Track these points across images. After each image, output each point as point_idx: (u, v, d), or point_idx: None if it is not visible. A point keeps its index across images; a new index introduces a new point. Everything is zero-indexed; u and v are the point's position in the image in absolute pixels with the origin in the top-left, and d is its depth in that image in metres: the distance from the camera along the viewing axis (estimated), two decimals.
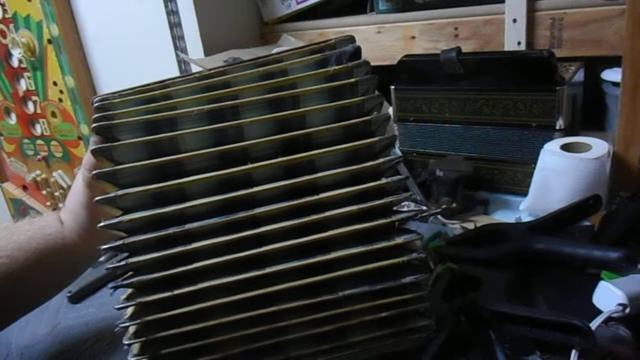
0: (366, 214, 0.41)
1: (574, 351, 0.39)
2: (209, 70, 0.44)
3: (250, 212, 0.39)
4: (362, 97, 0.42)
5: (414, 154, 0.82)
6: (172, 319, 0.39)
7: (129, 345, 0.39)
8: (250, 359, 0.40)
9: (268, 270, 0.39)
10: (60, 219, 0.52)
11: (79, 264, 0.53)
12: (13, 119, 1.38)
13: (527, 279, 0.53)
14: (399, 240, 0.40)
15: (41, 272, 0.50)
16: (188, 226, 0.39)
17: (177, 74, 1.04)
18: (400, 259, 0.40)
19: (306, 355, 0.41)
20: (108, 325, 0.55)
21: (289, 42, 1.09)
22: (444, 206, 0.69)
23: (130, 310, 0.39)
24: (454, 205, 0.70)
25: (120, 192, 0.38)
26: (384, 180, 0.40)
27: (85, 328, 0.57)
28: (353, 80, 0.42)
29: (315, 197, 0.40)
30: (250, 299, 0.39)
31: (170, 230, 0.39)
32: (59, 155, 1.34)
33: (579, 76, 0.74)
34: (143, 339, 0.38)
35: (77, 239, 0.50)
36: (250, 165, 0.39)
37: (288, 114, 0.40)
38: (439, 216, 0.70)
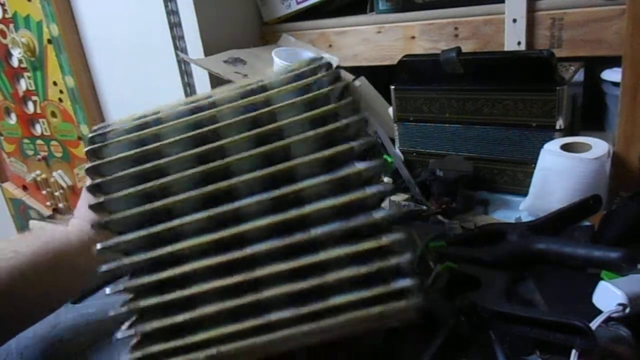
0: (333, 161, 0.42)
1: (574, 351, 0.39)
2: (198, 100, 0.46)
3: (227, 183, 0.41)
4: (335, 105, 0.43)
5: (414, 154, 0.82)
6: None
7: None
8: (231, 322, 0.40)
9: (244, 228, 0.40)
10: (67, 225, 0.52)
11: (83, 268, 0.52)
12: (13, 119, 1.39)
13: (527, 279, 0.53)
14: (361, 167, 0.40)
15: (47, 270, 0.50)
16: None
17: (177, 74, 1.04)
18: (369, 191, 0.40)
19: (287, 320, 0.40)
20: (108, 325, 0.55)
21: (289, 42, 1.09)
22: (444, 206, 0.69)
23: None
24: (454, 205, 0.69)
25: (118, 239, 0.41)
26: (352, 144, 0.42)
27: (85, 328, 0.57)
28: (332, 106, 0.43)
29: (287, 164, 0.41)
30: (224, 244, 0.40)
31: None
32: (59, 155, 1.34)
33: (579, 76, 0.74)
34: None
35: (80, 242, 0.50)
36: (228, 159, 0.42)
37: (267, 129, 0.43)
38: (439, 216, 0.70)
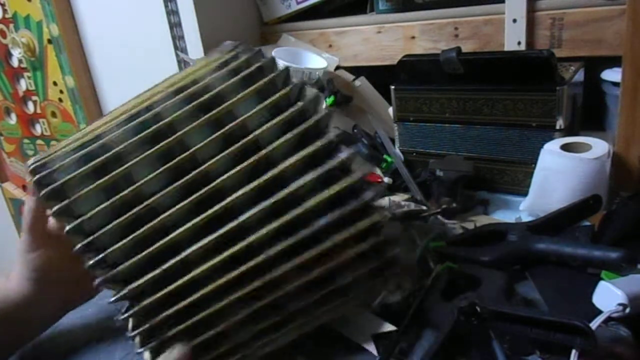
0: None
1: (574, 351, 0.39)
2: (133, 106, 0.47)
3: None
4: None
5: (414, 154, 0.82)
6: (165, 298, 0.40)
7: (133, 337, 0.40)
8: (254, 323, 0.42)
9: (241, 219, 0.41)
10: (6, 277, 0.51)
11: (25, 319, 0.51)
12: (13, 119, 1.39)
13: (527, 279, 0.53)
14: (342, 157, 0.43)
15: None
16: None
17: None
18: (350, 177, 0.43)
19: (304, 308, 0.42)
20: (109, 326, 0.55)
21: (289, 42, 1.09)
22: (444, 206, 0.69)
23: (125, 303, 0.41)
24: (454, 205, 0.69)
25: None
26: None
27: (86, 328, 0.57)
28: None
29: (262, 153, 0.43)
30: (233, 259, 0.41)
31: (133, 212, 0.41)
32: None
33: (579, 76, 0.74)
34: (145, 326, 0.40)
35: (19, 295, 0.49)
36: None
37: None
38: (439, 216, 0.70)
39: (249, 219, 0.41)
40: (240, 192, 0.41)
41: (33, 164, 0.43)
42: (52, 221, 0.51)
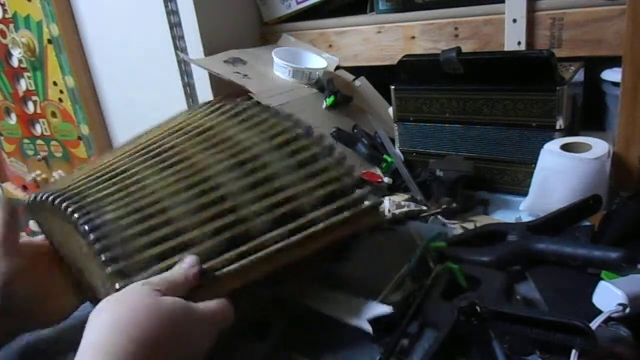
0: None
1: (574, 351, 0.39)
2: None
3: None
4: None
5: (414, 154, 0.82)
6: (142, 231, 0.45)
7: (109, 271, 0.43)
8: (225, 249, 0.45)
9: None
10: None
11: None
12: (13, 119, 1.39)
13: (527, 279, 0.53)
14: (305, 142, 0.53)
15: None
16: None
17: (177, 74, 1.04)
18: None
19: (276, 236, 0.47)
20: None
21: (289, 42, 1.09)
22: (444, 206, 0.69)
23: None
24: (454, 205, 0.69)
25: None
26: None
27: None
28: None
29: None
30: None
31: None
32: (59, 155, 1.34)
33: (579, 76, 0.74)
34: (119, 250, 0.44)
35: None
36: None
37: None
38: (439, 216, 0.70)
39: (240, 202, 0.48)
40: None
41: (86, 226, 0.45)
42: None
